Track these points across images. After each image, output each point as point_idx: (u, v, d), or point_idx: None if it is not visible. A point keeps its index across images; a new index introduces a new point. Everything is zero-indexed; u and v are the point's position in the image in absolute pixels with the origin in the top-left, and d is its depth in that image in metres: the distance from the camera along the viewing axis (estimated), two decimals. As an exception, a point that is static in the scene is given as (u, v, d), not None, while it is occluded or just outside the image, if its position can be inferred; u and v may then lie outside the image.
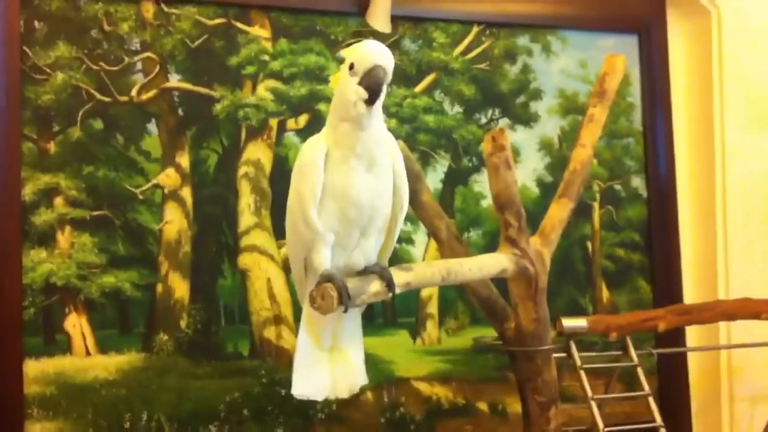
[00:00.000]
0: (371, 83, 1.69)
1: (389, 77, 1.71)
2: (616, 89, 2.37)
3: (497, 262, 2.06)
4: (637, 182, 3.05)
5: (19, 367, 2.34)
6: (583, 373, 2.20)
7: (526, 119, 2.95)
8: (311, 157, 1.73)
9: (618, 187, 3.04)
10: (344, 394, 1.88)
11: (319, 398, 1.85)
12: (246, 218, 2.62)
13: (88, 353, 2.43)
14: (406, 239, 2.76)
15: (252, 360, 2.57)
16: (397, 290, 1.83)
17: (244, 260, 2.61)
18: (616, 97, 2.40)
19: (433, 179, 2.80)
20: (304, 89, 2.69)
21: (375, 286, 1.79)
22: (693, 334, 2.94)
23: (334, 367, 1.86)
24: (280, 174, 2.63)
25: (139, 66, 2.56)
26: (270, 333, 2.60)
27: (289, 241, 1.84)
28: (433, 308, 2.80)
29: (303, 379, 1.83)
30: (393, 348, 2.72)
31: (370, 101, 1.69)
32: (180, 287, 2.54)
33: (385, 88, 1.71)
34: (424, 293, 2.78)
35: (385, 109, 2.73)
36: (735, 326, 2.80)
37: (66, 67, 2.48)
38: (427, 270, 1.92)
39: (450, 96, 2.86)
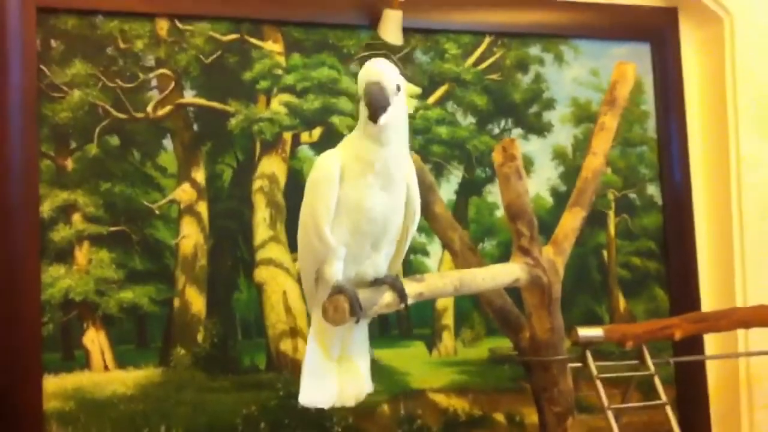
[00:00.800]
0: (368, 101, 1.70)
1: (391, 89, 1.70)
2: (626, 97, 2.37)
3: (510, 271, 2.07)
4: (652, 190, 3.04)
5: (39, 383, 2.36)
6: (599, 383, 2.19)
7: (539, 129, 2.95)
8: (326, 172, 1.74)
9: (633, 195, 3.02)
10: (351, 402, 1.89)
11: (326, 406, 1.86)
12: (261, 232, 2.63)
13: (106, 368, 2.45)
14: (420, 250, 2.77)
15: (268, 373, 2.58)
16: (410, 301, 1.83)
17: (260, 274, 2.62)
18: (629, 105, 2.41)
19: (447, 190, 2.81)
20: (318, 102, 2.71)
21: (387, 297, 1.80)
22: (711, 343, 2.92)
23: (341, 376, 1.87)
24: (295, 187, 2.64)
25: (154, 82, 2.59)
26: (286, 346, 2.61)
27: (300, 253, 1.85)
28: (448, 319, 2.80)
29: (311, 388, 1.83)
30: (409, 359, 2.72)
31: (372, 118, 1.70)
32: (197, 301, 2.56)
33: (391, 101, 1.70)
34: (440, 304, 2.78)
35: (399, 121, 2.75)
36: (753, 334, 2.77)
37: (82, 85, 2.51)
38: (440, 280, 1.92)
39: (462, 107, 2.86)
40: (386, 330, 2.70)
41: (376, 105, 1.68)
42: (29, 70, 2.43)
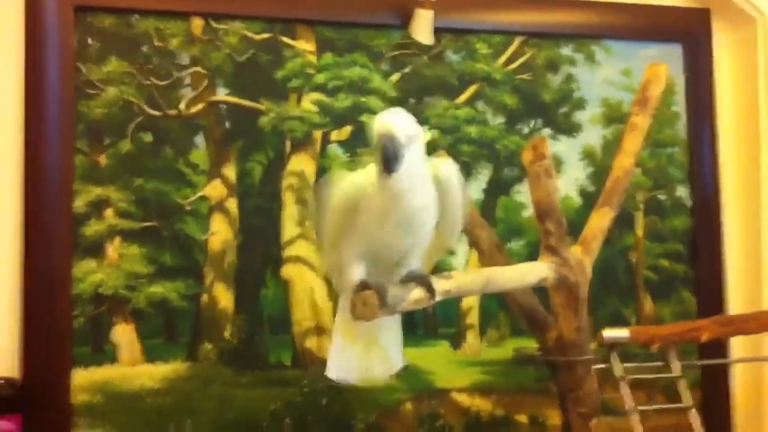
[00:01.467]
0: (380, 155, 1.67)
1: (402, 137, 1.66)
2: (658, 98, 2.36)
3: (538, 270, 2.07)
4: (682, 192, 3.01)
5: (68, 376, 2.40)
6: (624, 384, 2.17)
7: (569, 129, 2.94)
8: (343, 202, 1.74)
9: (662, 196, 3.00)
10: (379, 378, 1.89)
11: (354, 381, 1.87)
12: (290, 229, 2.66)
13: (134, 362, 2.49)
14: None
15: (294, 370, 2.61)
16: (438, 297, 1.84)
17: (288, 271, 2.65)
18: (660, 107, 2.40)
19: (476, 189, 2.81)
20: (348, 101, 2.72)
21: (416, 293, 1.80)
22: (737, 347, 2.88)
23: (368, 352, 1.87)
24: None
25: (187, 80, 2.62)
26: (312, 343, 2.63)
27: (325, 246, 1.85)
28: (473, 319, 2.80)
29: (338, 363, 1.85)
30: (433, 358, 2.73)
31: (386, 170, 1.67)
32: (225, 297, 2.59)
33: (404, 152, 1.66)
34: (465, 304, 2.79)
35: (428, 120, 2.77)
36: (781, 338, 2.75)
37: (117, 82, 2.55)
38: (468, 278, 1.93)
39: (492, 107, 2.86)
40: (412, 329, 2.71)
41: (388, 159, 1.66)
42: (66, 68, 2.48)
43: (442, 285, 1.85)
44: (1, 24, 2.44)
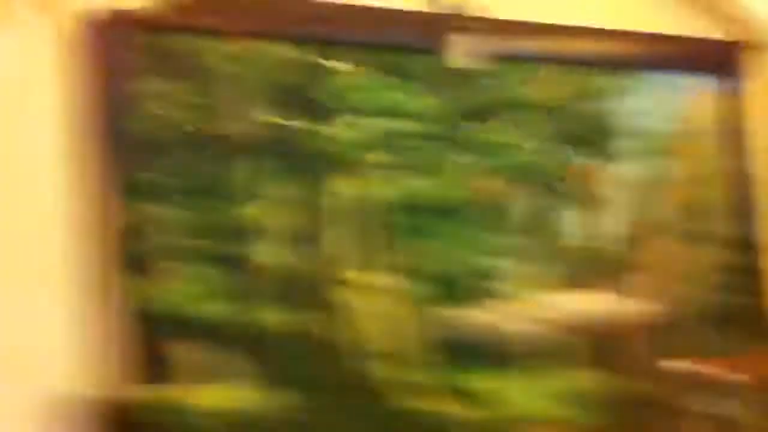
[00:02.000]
0: None
1: None
2: (702, 128, 2.40)
3: (599, 301, 2.08)
4: (721, 223, 3.02)
5: (127, 395, 2.29)
6: (697, 418, 2.15)
7: (605, 158, 2.96)
8: None
9: (701, 227, 2.98)
10: None
11: None
12: (332, 250, 2.62)
13: (194, 383, 2.41)
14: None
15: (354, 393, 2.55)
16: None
17: (337, 292, 2.60)
18: (697, 138, 2.43)
19: (514, 214, 2.81)
20: (384, 124, 2.71)
21: None
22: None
23: None
24: (363, 206, 2.64)
25: (228, 99, 2.57)
26: (372, 366, 2.59)
27: None
28: (542, 347, 2.62)
29: None
30: (507, 389, 2.61)
31: None
32: (273, 318, 2.52)
33: None
34: (532, 332, 2.63)
35: (465, 144, 2.77)
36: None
37: (159, 100, 2.49)
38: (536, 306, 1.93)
39: (528, 132, 2.87)
40: (481, 359, 2.64)
41: None
42: (113, 84, 2.41)
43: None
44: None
